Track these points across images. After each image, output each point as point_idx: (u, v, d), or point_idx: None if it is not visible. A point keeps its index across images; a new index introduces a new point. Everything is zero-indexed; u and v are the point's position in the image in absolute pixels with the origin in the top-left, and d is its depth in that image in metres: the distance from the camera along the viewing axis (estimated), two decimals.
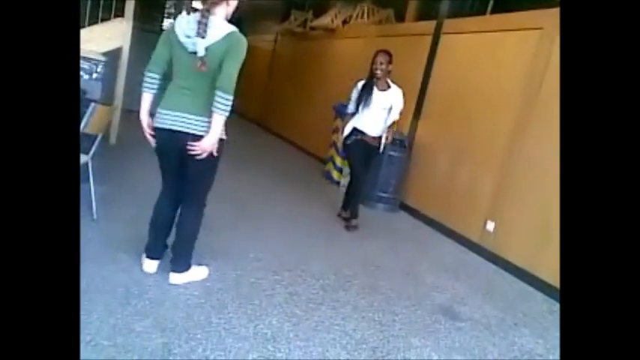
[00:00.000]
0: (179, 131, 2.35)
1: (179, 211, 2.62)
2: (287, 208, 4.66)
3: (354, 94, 4.20)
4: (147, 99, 2.47)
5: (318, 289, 2.89)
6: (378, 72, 4.08)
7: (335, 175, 6.17)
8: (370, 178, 4.58)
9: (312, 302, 2.71)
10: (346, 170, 5.84)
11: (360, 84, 4.21)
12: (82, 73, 5.16)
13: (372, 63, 4.11)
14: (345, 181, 5.83)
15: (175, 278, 2.61)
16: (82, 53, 5.10)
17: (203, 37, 2.26)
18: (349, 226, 4.25)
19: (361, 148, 4.14)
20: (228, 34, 2.31)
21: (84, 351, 1.87)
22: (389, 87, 4.20)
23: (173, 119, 2.36)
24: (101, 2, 5.59)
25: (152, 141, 2.47)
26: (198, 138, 2.33)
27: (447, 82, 5.04)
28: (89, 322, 2.07)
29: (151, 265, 2.65)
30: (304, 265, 3.21)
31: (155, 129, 2.43)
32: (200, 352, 2.04)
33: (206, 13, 2.28)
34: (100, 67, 5.26)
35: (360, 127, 4.14)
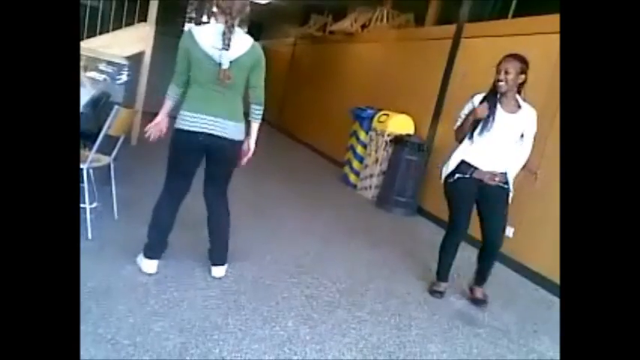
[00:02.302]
0: (216, 135, 2.47)
1: (212, 209, 2.69)
2: (303, 211, 4.67)
3: (465, 112, 2.97)
4: (169, 106, 2.61)
5: (335, 293, 2.89)
6: (503, 85, 2.81)
7: (352, 178, 6.16)
8: (497, 230, 3.00)
9: (328, 305, 2.71)
10: (364, 173, 5.83)
11: (478, 99, 2.94)
12: (105, 76, 5.28)
13: (497, 72, 2.85)
14: (363, 184, 5.82)
15: (220, 271, 2.75)
16: (106, 57, 5.22)
17: (227, 50, 2.38)
18: (475, 299, 3.09)
19: (470, 189, 2.93)
20: (252, 46, 2.49)
21: (104, 349, 1.91)
22: (519, 107, 2.88)
23: (211, 124, 2.46)
24: (125, 7, 5.71)
25: (156, 133, 2.56)
26: (234, 143, 2.54)
27: (467, 86, 5.00)
28: (110, 321, 2.11)
29: (152, 266, 2.66)
30: (320, 268, 3.21)
31: (179, 130, 2.48)
32: (217, 353, 2.06)
33: (231, 27, 2.40)
34: (123, 70, 5.37)
35: (472, 161, 2.91)
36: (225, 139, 2.50)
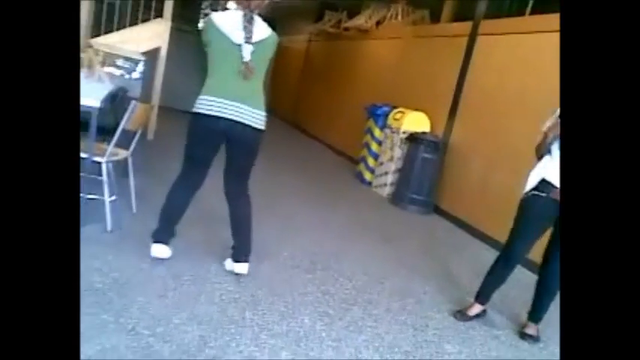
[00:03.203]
0: (237, 122, 2.42)
1: (234, 206, 2.66)
2: (318, 208, 4.67)
3: (548, 125, 2.51)
4: None
5: (351, 290, 2.89)
6: None
7: (367, 175, 6.14)
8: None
9: (344, 302, 2.70)
10: (379, 170, 5.81)
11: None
12: (122, 72, 5.31)
13: None
14: (378, 182, 5.80)
15: (243, 268, 2.70)
16: (123, 53, 5.26)
17: (249, 43, 2.38)
18: (525, 334, 2.74)
19: (545, 210, 2.51)
20: (271, 36, 2.50)
21: (125, 338, 1.93)
22: None
23: (232, 109, 2.41)
24: (142, 3, 5.74)
25: None
26: (256, 131, 2.49)
27: (482, 83, 4.95)
28: (130, 311, 2.13)
29: (161, 250, 2.64)
30: (336, 265, 3.21)
31: (199, 115, 2.42)
32: (234, 346, 2.06)
33: (251, 19, 2.39)
34: (140, 66, 5.40)
35: (552, 179, 2.49)
36: (247, 126, 2.44)
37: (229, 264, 2.73)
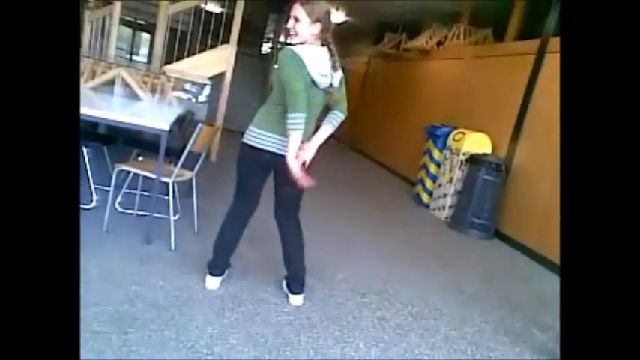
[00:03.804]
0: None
1: (285, 235, 2.62)
2: (375, 230, 4.63)
3: None
4: (298, 139, 2.29)
5: (407, 316, 2.82)
6: None
7: (424, 197, 6.02)
8: None
9: (400, 329, 2.65)
10: (438, 193, 5.68)
11: None
12: (189, 95, 5.63)
13: None
14: (436, 204, 5.67)
15: (298, 300, 2.68)
16: (191, 78, 5.57)
17: (336, 70, 2.39)
18: None
19: None
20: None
21: (184, 355, 2.00)
22: None
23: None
24: (210, 31, 6.07)
25: (307, 182, 2.33)
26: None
27: (550, 102, 4.74)
28: (189, 329, 2.21)
29: (215, 282, 2.67)
30: (392, 290, 3.15)
31: (258, 150, 2.40)
32: None
33: (332, 46, 2.38)
34: (206, 90, 5.69)
35: None
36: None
37: (286, 286, 2.76)
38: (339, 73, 2.44)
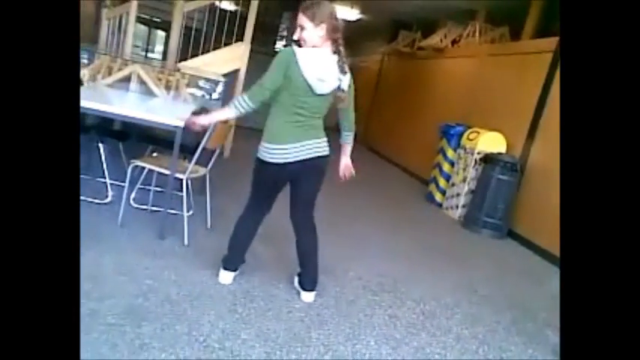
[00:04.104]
0: (312, 157, 2.45)
1: (300, 234, 2.65)
2: (387, 228, 4.62)
3: None
4: (231, 116, 2.49)
5: (419, 314, 2.81)
6: None
7: (437, 196, 5.99)
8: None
9: (411, 327, 2.64)
10: (451, 192, 5.64)
11: None
12: (204, 92, 5.66)
13: None
14: (449, 203, 5.64)
15: (309, 297, 2.70)
16: (205, 75, 5.61)
17: (345, 73, 2.41)
18: None
19: None
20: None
21: (197, 349, 2.02)
22: None
23: (306, 149, 2.43)
24: (225, 28, 6.10)
25: (199, 125, 2.55)
26: (325, 157, 2.52)
27: None
28: (202, 324, 2.23)
29: (228, 277, 2.70)
30: (404, 288, 3.14)
31: (274, 165, 2.42)
32: None
33: (341, 47, 2.38)
34: (220, 87, 5.72)
35: None
36: (320, 157, 2.48)
37: (298, 283, 2.77)
38: (348, 77, 2.44)
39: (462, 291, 3.32)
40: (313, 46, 2.35)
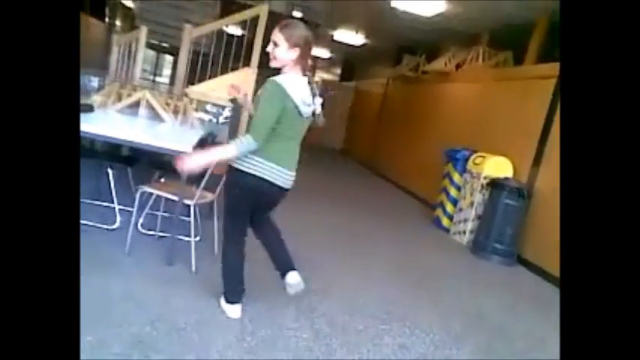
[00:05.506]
0: (285, 188, 2.50)
1: (264, 231, 2.70)
2: (394, 254, 4.58)
3: None
4: (225, 155, 2.36)
5: (429, 344, 2.76)
6: None
7: (444, 222, 5.95)
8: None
9: (422, 357, 2.59)
10: (458, 217, 5.61)
11: None
12: (211, 117, 5.71)
13: None
14: (457, 228, 5.60)
15: (295, 277, 2.62)
16: (212, 100, 5.67)
17: (319, 97, 2.45)
18: None
19: None
20: None
21: None
22: None
23: (288, 178, 2.48)
24: (232, 54, 6.19)
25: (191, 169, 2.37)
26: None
27: None
28: (210, 353, 2.20)
29: (237, 310, 2.63)
30: (413, 317, 3.10)
31: (261, 179, 2.38)
32: None
33: (309, 74, 2.45)
34: (226, 111, 5.78)
35: None
36: (287, 189, 2.52)
37: (289, 288, 2.63)
38: (319, 100, 2.48)
39: (472, 320, 3.26)
40: (282, 66, 2.39)
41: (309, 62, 2.46)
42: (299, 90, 2.35)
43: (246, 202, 2.48)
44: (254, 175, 2.36)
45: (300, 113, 2.37)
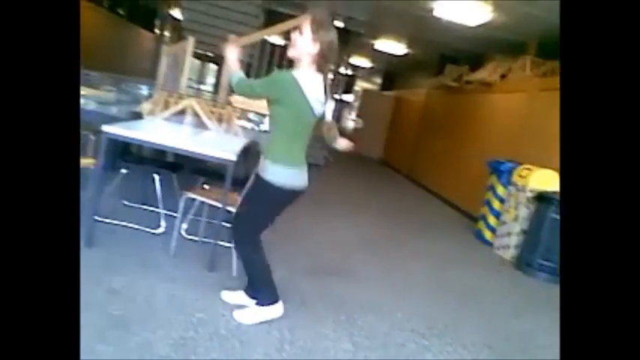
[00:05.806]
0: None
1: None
2: (435, 268, 4.48)
3: None
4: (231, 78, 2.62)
5: None
6: None
7: (487, 235, 5.78)
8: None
9: None
10: (502, 230, 5.44)
11: None
12: (253, 125, 5.81)
13: None
14: (500, 242, 5.43)
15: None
16: (254, 108, 5.77)
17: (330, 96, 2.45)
18: None
19: None
20: None
21: None
22: None
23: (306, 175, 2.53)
24: (274, 62, 6.30)
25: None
26: None
27: None
28: None
29: (279, 308, 2.64)
30: (454, 333, 3.01)
31: (284, 189, 2.43)
32: None
33: (326, 76, 2.41)
34: (265, 120, 5.87)
35: None
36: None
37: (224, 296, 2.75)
38: (331, 104, 2.47)
39: (518, 339, 3.14)
40: (298, 58, 2.36)
41: (328, 69, 2.41)
42: (312, 86, 2.33)
43: (273, 214, 2.59)
44: (282, 188, 2.42)
45: (312, 110, 2.36)
